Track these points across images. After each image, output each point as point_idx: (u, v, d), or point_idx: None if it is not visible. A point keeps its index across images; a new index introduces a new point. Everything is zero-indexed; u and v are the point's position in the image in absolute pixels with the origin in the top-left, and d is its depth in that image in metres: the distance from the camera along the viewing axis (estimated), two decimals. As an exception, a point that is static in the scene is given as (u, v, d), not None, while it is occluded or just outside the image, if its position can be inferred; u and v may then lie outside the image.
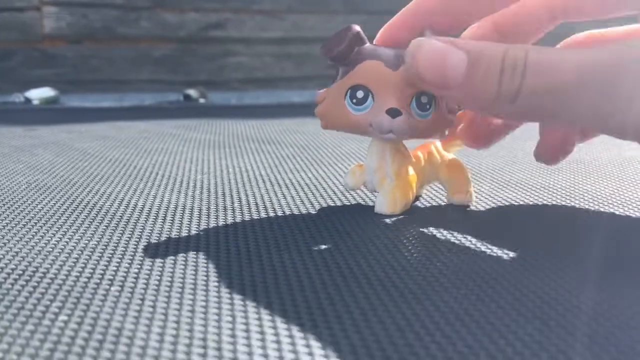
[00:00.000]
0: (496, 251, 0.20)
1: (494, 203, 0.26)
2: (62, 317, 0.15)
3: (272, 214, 0.25)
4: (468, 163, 0.36)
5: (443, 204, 0.26)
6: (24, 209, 0.25)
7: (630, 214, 0.25)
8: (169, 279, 0.17)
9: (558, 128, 0.26)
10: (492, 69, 0.19)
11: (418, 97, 0.22)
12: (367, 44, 0.22)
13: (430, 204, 0.26)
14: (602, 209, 0.25)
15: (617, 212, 0.25)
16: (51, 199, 0.27)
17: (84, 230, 0.22)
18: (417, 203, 0.26)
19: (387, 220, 0.23)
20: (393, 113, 0.21)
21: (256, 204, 0.26)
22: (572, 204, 0.26)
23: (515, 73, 0.18)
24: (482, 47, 0.19)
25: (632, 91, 0.18)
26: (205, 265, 0.19)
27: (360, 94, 0.22)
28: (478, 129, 0.27)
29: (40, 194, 0.28)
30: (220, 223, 0.23)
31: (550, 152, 0.26)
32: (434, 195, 0.28)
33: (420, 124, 0.22)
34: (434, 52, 0.19)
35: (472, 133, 0.27)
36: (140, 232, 0.22)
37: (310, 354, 0.13)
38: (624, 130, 0.19)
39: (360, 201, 0.26)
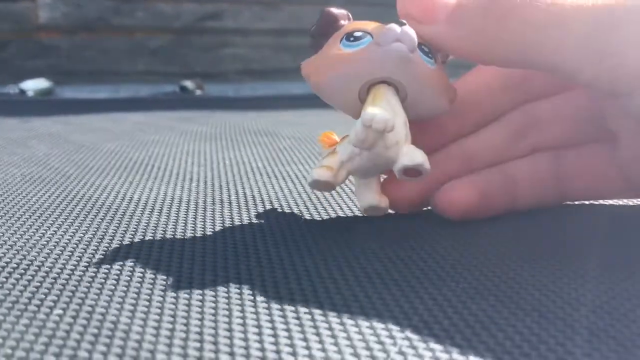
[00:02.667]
0: (494, 245, 0.20)
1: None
2: (57, 311, 0.15)
3: (268, 207, 0.24)
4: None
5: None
6: (18, 201, 0.25)
7: (630, 207, 0.25)
8: (165, 272, 0.17)
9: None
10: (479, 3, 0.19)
11: (420, 45, 0.19)
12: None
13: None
14: (601, 202, 0.25)
15: (616, 205, 0.25)
16: (46, 192, 0.27)
17: (79, 223, 0.22)
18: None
19: (385, 214, 0.23)
20: (401, 23, 0.19)
21: (253, 196, 0.26)
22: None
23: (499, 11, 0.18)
24: None
25: (630, 36, 0.17)
26: (201, 258, 0.18)
27: (358, 33, 0.19)
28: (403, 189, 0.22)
29: (35, 187, 0.28)
30: (217, 216, 0.23)
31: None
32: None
33: (427, 68, 0.19)
34: None
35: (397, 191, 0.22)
36: (135, 224, 0.22)
37: (308, 347, 0.13)
38: (616, 79, 0.18)
39: (358, 193, 0.26)
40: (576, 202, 0.25)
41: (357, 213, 0.23)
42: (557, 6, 0.18)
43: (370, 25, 0.20)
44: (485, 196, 0.22)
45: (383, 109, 0.18)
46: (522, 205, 0.23)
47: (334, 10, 0.20)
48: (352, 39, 0.19)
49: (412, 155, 0.19)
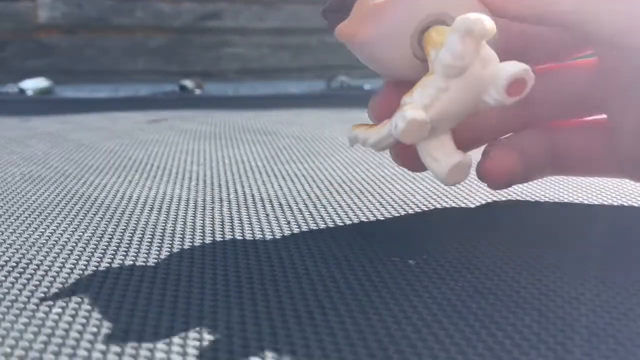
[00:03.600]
0: (494, 243, 0.20)
1: (491, 194, 0.26)
2: (56, 310, 0.15)
3: (268, 206, 0.24)
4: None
5: (440, 196, 0.26)
6: (17, 200, 0.25)
7: (630, 205, 0.25)
8: (164, 271, 0.17)
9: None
10: None
11: None
12: None
13: (428, 196, 0.26)
14: (601, 200, 0.25)
15: (615, 203, 0.25)
16: (45, 191, 0.27)
17: (79, 222, 0.22)
18: (413, 196, 0.26)
19: (385, 211, 0.23)
20: None
21: (252, 195, 0.26)
22: (571, 195, 0.26)
23: None
24: None
25: None
26: (201, 257, 0.18)
27: None
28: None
29: (34, 186, 0.28)
30: (216, 214, 0.23)
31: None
32: (431, 187, 0.28)
33: None
34: None
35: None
36: (135, 223, 0.22)
37: (307, 346, 0.13)
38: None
39: (357, 191, 0.26)
40: (575, 195, 0.25)
41: (357, 211, 0.23)
42: None
43: None
44: (526, 161, 0.22)
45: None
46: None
47: None
48: None
49: (514, 64, 0.17)
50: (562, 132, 0.23)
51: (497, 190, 0.23)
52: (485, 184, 0.22)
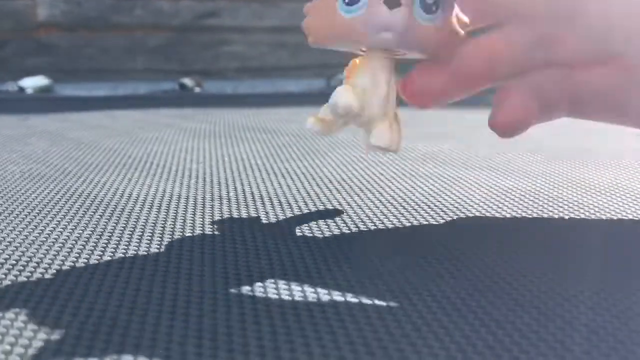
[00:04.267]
0: (493, 241, 0.20)
1: (491, 191, 0.26)
2: (56, 307, 0.15)
3: (267, 203, 0.24)
4: (464, 151, 0.36)
5: (439, 193, 0.26)
6: (17, 198, 0.25)
7: (629, 204, 0.25)
8: (164, 268, 0.17)
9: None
10: None
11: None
12: None
13: (426, 193, 0.26)
14: (600, 198, 0.25)
15: (615, 202, 0.25)
16: (45, 189, 0.27)
17: (78, 219, 0.22)
18: (412, 193, 0.26)
19: (384, 209, 0.23)
20: (391, 3, 0.18)
21: (252, 193, 0.26)
22: (571, 192, 0.26)
23: None
24: None
25: None
26: (200, 254, 0.18)
27: None
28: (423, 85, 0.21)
29: (34, 184, 0.28)
30: (216, 212, 0.23)
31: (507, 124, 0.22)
32: (430, 185, 0.28)
33: (423, 31, 0.18)
34: None
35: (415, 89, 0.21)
36: (135, 221, 0.22)
37: (307, 344, 0.13)
38: None
39: (356, 189, 0.26)
40: (575, 193, 0.25)
41: (357, 209, 0.23)
42: None
43: None
44: (542, 105, 0.21)
45: (354, 93, 0.19)
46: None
47: None
48: (347, 0, 0.18)
49: (378, 136, 0.19)
50: (581, 70, 0.21)
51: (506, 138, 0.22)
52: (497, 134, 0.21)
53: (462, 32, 0.20)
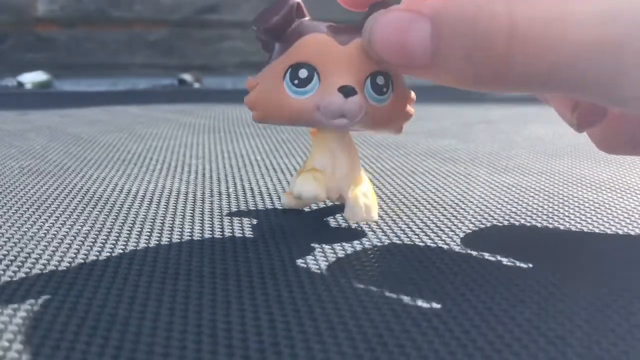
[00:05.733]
0: (493, 237, 0.20)
1: (490, 188, 0.26)
2: (55, 304, 0.15)
3: (267, 199, 0.24)
4: (464, 148, 0.36)
5: (439, 189, 0.26)
6: (16, 193, 0.25)
7: (630, 201, 0.25)
8: (163, 265, 0.17)
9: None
10: (461, 38, 0.14)
11: (374, 77, 0.18)
12: (309, 18, 0.19)
13: (426, 189, 0.26)
14: (601, 195, 0.25)
15: (615, 198, 0.25)
16: (44, 184, 0.27)
17: (77, 215, 0.22)
18: (412, 189, 0.26)
19: (383, 204, 0.23)
20: (347, 92, 0.17)
21: (251, 188, 0.26)
22: (571, 189, 0.26)
23: (496, 41, 0.14)
24: (447, 7, 0.15)
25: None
26: (199, 251, 0.18)
27: (303, 73, 0.18)
28: None
29: (33, 179, 0.28)
30: (215, 208, 0.23)
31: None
32: (429, 182, 0.28)
33: (376, 111, 0.18)
34: (392, 25, 0.15)
35: None
36: (134, 217, 0.22)
37: (306, 340, 0.13)
38: (624, 102, 0.15)
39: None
40: (575, 189, 0.25)
41: (356, 206, 0.23)
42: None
43: (317, 53, 0.18)
44: None
45: (317, 180, 0.19)
46: None
47: (300, 2, 0.19)
48: (296, 82, 0.18)
49: (353, 212, 0.19)
50: None
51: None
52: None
53: (411, 108, 0.19)
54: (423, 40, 0.15)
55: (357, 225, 0.21)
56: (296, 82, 0.18)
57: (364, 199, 0.19)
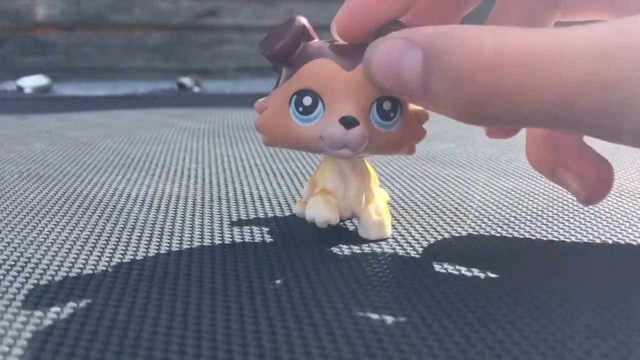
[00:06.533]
0: (493, 241, 0.20)
1: (490, 192, 0.26)
2: (55, 309, 0.15)
3: (267, 204, 0.24)
4: (464, 152, 0.36)
5: (439, 194, 0.26)
6: (15, 198, 0.25)
7: (629, 204, 0.25)
8: (163, 269, 0.17)
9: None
10: (448, 70, 0.14)
11: (380, 103, 0.18)
12: (316, 40, 0.19)
13: (426, 194, 0.26)
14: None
15: (614, 202, 0.25)
16: (44, 189, 0.27)
17: (77, 220, 0.22)
18: (412, 194, 0.26)
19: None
20: (348, 122, 0.17)
21: (251, 193, 0.26)
22: (569, 193, 0.26)
23: (481, 74, 0.14)
24: (438, 38, 0.15)
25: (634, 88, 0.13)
26: (199, 255, 0.18)
27: (307, 100, 0.18)
28: None
29: (33, 184, 0.28)
30: (215, 213, 0.23)
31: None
32: (429, 186, 0.28)
33: (383, 137, 0.18)
34: (388, 53, 0.16)
35: None
36: (133, 222, 0.22)
37: (305, 345, 0.13)
38: (620, 137, 0.15)
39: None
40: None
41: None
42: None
43: (322, 80, 0.18)
44: None
45: (329, 204, 0.19)
46: None
47: (306, 24, 0.19)
48: (301, 109, 0.18)
49: (366, 230, 0.20)
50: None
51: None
52: None
53: (422, 128, 0.19)
54: (415, 70, 0.15)
55: (351, 231, 0.21)
56: (301, 109, 0.18)
57: (377, 216, 0.20)
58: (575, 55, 0.13)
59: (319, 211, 0.19)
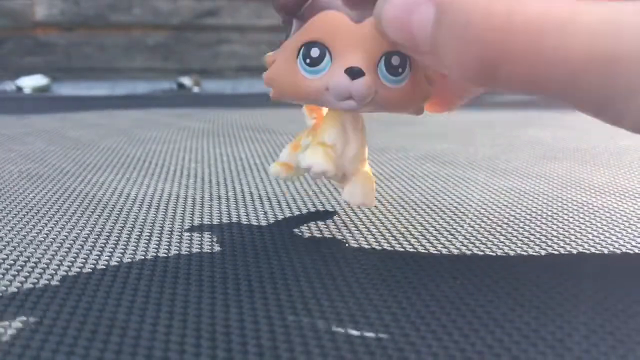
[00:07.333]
0: (493, 241, 0.20)
1: (490, 191, 0.26)
2: (54, 307, 0.15)
3: (266, 203, 0.24)
4: (463, 151, 0.36)
5: (438, 193, 0.26)
6: (15, 198, 0.25)
7: (628, 204, 0.25)
8: (163, 268, 0.17)
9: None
10: (458, 28, 0.14)
11: (388, 57, 0.17)
12: None
13: (425, 192, 0.26)
14: (600, 198, 0.25)
15: (614, 201, 0.25)
16: (43, 188, 0.27)
17: (77, 219, 0.22)
18: (411, 193, 0.26)
19: (382, 208, 0.23)
20: (353, 73, 0.17)
21: (250, 192, 0.26)
22: (569, 192, 0.26)
23: (495, 31, 0.14)
24: None
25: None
26: (198, 254, 0.18)
27: (315, 52, 0.17)
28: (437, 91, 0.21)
29: (32, 183, 0.28)
30: (215, 212, 0.23)
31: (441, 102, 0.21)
32: (428, 185, 0.28)
33: (389, 93, 0.18)
34: (400, 6, 0.15)
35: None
36: (133, 221, 0.22)
37: (305, 343, 0.13)
38: (622, 119, 0.15)
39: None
40: (573, 193, 0.25)
41: (355, 209, 0.23)
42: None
43: (330, 31, 0.17)
44: None
45: (327, 155, 0.18)
46: None
47: None
48: (308, 61, 0.18)
49: (351, 194, 0.19)
50: None
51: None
52: None
53: (430, 88, 0.19)
54: (425, 25, 0.15)
55: (355, 210, 0.21)
56: (308, 61, 0.18)
57: (368, 182, 0.19)
58: (584, 29, 0.13)
59: (318, 160, 0.18)
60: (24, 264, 0.17)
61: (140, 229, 0.21)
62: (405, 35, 0.16)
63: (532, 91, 0.15)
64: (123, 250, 0.19)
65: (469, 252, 0.19)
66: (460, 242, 0.20)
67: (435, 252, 0.19)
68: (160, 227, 0.21)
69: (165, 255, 0.18)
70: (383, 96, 0.18)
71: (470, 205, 0.24)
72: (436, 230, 0.21)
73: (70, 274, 0.17)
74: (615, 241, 0.20)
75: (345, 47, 0.17)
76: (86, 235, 0.20)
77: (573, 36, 0.13)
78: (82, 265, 0.17)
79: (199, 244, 0.19)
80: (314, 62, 0.17)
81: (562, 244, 0.20)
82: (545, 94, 0.15)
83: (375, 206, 0.24)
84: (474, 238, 0.20)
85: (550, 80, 0.14)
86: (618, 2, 0.14)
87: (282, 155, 0.21)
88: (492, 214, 0.23)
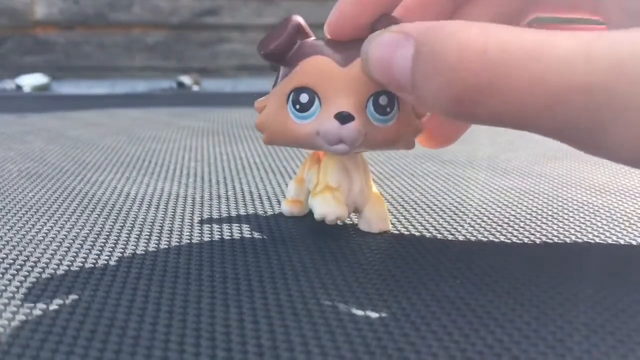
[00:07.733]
0: (493, 240, 0.20)
1: (490, 191, 0.26)
2: (54, 307, 0.15)
3: (266, 202, 0.24)
4: (463, 151, 0.36)
5: (439, 192, 0.26)
6: (14, 197, 0.25)
7: (628, 203, 0.25)
8: (162, 268, 0.17)
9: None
10: (436, 61, 0.14)
11: (376, 97, 0.18)
12: (312, 38, 0.19)
13: (425, 192, 0.26)
14: (599, 197, 0.25)
15: (614, 201, 0.25)
16: (42, 187, 0.27)
17: (76, 218, 0.22)
18: (412, 192, 0.26)
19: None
20: (343, 118, 0.17)
21: (250, 191, 0.26)
22: (570, 191, 0.26)
23: (471, 66, 0.14)
24: (428, 29, 0.15)
25: (626, 100, 0.13)
26: (198, 254, 0.18)
27: (304, 97, 0.18)
28: (434, 126, 0.22)
29: (32, 182, 0.27)
30: (214, 211, 0.23)
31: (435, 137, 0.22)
32: (428, 184, 0.28)
33: (379, 132, 0.18)
34: (382, 47, 0.16)
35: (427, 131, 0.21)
36: (132, 220, 0.22)
37: (305, 343, 0.13)
38: (599, 149, 0.14)
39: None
40: (573, 192, 0.25)
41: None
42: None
43: (318, 77, 0.18)
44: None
45: (337, 201, 0.19)
46: None
47: (301, 23, 0.19)
48: (298, 106, 0.18)
49: (369, 224, 0.20)
50: None
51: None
52: None
53: (419, 123, 0.19)
54: (406, 62, 0.15)
55: (351, 229, 0.21)
56: (298, 107, 0.18)
57: (379, 210, 0.20)
58: (560, 59, 0.13)
59: (330, 209, 0.19)
60: (23, 263, 0.17)
61: (139, 228, 0.21)
62: (387, 73, 0.16)
63: (512, 124, 0.15)
64: (122, 249, 0.19)
65: (469, 251, 0.19)
66: (460, 241, 0.20)
67: (435, 251, 0.19)
68: (159, 226, 0.21)
69: (165, 254, 0.18)
70: (373, 136, 0.18)
71: (471, 205, 0.24)
72: (436, 229, 0.21)
73: (69, 273, 0.17)
74: (616, 241, 0.20)
75: (333, 92, 0.18)
76: (85, 234, 0.20)
77: (550, 67, 0.13)
78: (81, 264, 0.17)
79: (198, 243, 0.19)
80: (304, 108, 0.18)
81: (562, 243, 0.20)
82: (524, 127, 0.15)
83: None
84: (474, 237, 0.20)
85: (528, 112, 0.14)
86: (588, 33, 0.14)
87: (289, 192, 0.22)
88: (492, 213, 0.23)
